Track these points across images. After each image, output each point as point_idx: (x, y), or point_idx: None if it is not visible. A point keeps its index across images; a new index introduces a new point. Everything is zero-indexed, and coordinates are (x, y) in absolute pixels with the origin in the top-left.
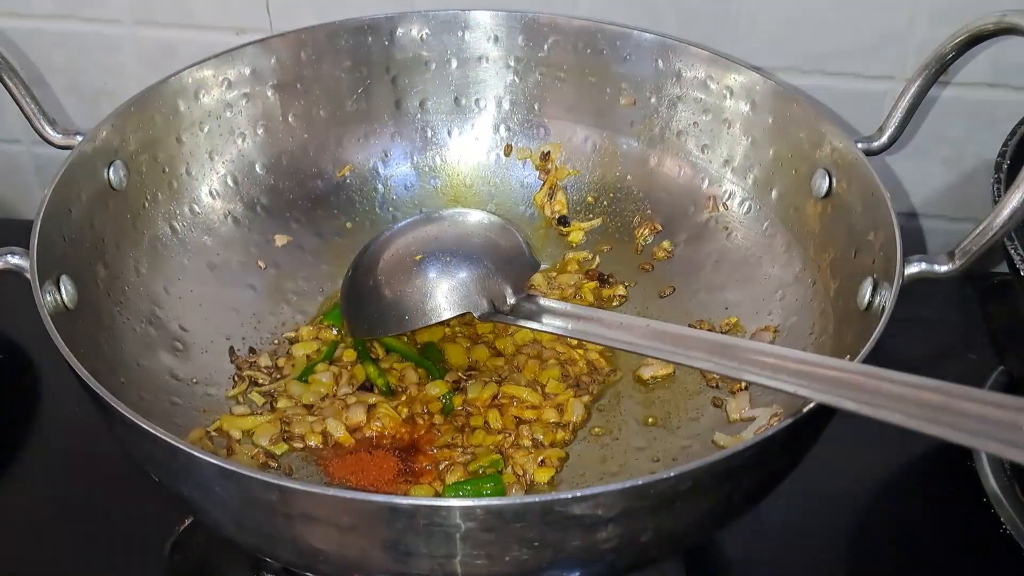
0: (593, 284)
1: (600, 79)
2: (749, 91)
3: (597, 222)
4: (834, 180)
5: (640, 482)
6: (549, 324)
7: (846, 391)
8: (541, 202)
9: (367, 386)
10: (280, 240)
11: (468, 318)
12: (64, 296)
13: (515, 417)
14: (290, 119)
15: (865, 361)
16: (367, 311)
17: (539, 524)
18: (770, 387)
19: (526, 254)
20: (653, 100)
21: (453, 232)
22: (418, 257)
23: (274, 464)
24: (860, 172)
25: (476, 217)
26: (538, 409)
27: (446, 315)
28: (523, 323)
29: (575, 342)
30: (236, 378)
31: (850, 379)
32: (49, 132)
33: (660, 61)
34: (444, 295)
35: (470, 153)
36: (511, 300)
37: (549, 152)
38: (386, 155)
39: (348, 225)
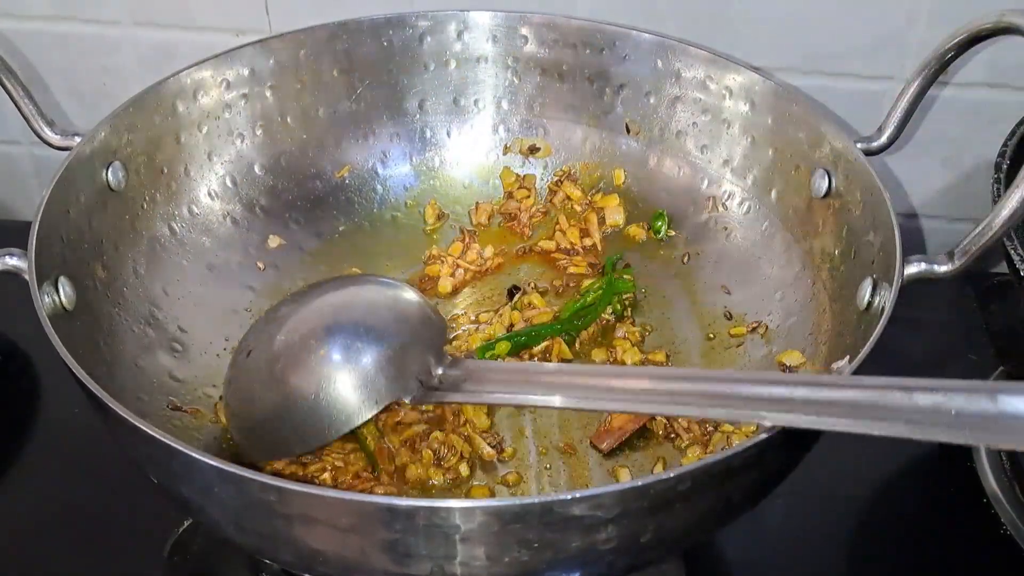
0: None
1: (599, 79)
2: (748, 91)
3: None
4: (833, 180)
5: (639, 483)
6: (486, 394)
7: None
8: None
9: None
10: (273, 242)
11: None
12: (62, 297)
13: None
14: (289, 120)
15: (864, 361)
16: (273, 430)
17: (538, 525)
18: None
19: (432, 314)
20: (652, 100)
21: (349, 308)
22: (322, 352)
23: None
24: (859, 172)
25: (365, 284)
26: None
27: (373, 410)
28: (458, 398)
29: None
30: None
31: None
32: (47, 133)
33: (659, 61)
34: (365, 386)
35: (469, 154)
36: (438, 371)
37: (539, 148)
38: (385, 156)
39: (347, 226)
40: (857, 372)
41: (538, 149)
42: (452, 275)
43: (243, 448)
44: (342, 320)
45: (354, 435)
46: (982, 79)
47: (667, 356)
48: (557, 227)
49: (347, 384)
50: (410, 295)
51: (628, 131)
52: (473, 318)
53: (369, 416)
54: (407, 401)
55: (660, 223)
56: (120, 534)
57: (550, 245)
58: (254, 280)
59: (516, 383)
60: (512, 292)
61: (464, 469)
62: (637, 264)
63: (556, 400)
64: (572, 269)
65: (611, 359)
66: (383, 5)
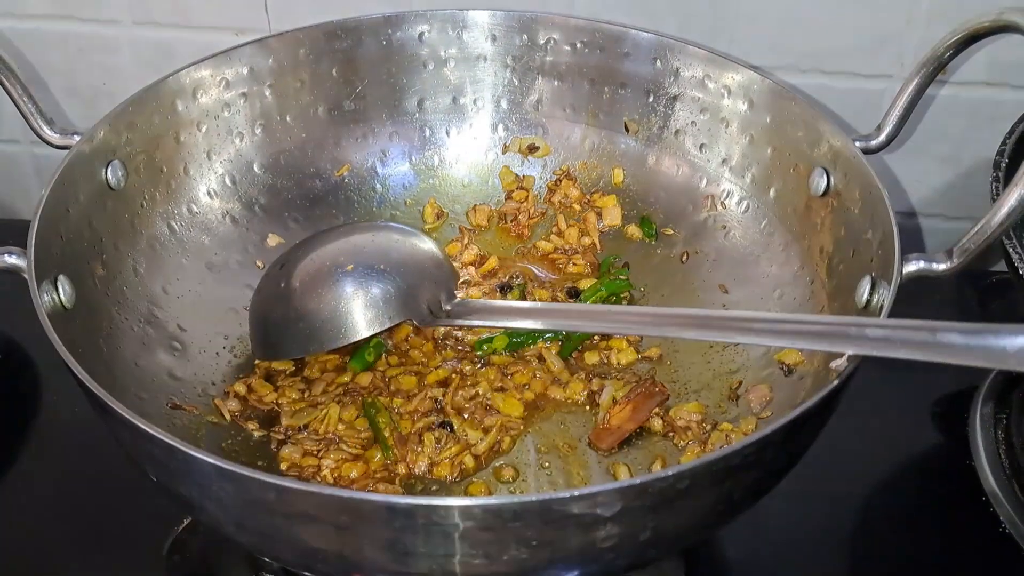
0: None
1: (598, 78)
2: (747, 90)
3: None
4: (832, 179)
5: (639, 481)
6: (484, 321)
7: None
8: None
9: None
10: (272, 241)
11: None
12: (62, 296)
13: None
14: (288, 119)
15: (863, 360)
16: (296, 330)
17: (537, 523)
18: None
19: (446, 262)
20: (651, 99)
21: (376, 243)
22: (349, 267)
23: None
24: (858, 171)
25: (392, 228)
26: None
27: (386, 324)
28: (460, 323)
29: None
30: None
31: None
32: (47, 132)
33: (658, 60)
34: (383, 303)
35: (468, 152)
36: (447, 306)
37: (538, 147)
38: (384, 155)
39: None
40: (855, 370)
41: (537, 148)
42: None
43: (261, 350)
44: (371, 249)
45: (372, 425)
46: (981, 78)
47: (663, 356)
48: (555, 227)
49: (367, 299)
50: (432, 245)
51: (627, 130)
52: None
53: (381, 329)
54: (416, 323)
55: (648, 227)
56: (120, 534)
57: (548, 246)
58: (253, 279)
59: (512, 315)
60: (504, 289)
61: (469, 461)
62: (635, 263)
63: (540, 324)
64: (571, 269)
65: (606, 360)
66: (383, 5)
